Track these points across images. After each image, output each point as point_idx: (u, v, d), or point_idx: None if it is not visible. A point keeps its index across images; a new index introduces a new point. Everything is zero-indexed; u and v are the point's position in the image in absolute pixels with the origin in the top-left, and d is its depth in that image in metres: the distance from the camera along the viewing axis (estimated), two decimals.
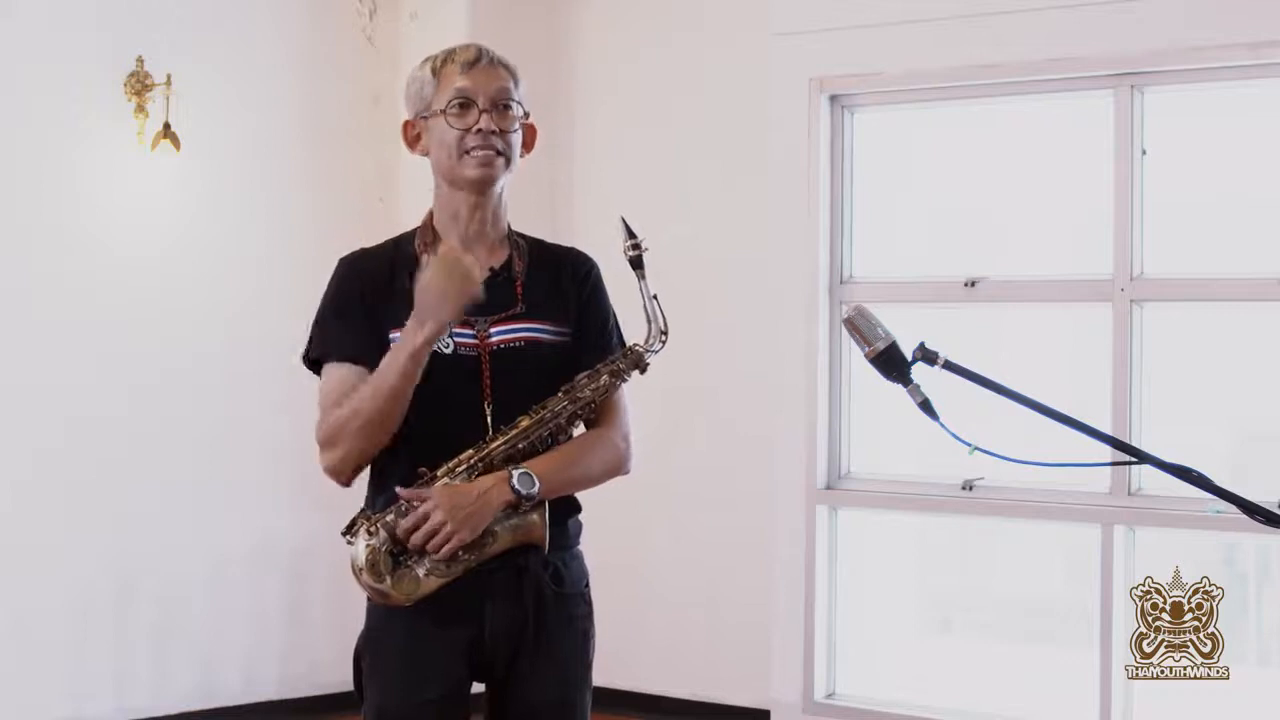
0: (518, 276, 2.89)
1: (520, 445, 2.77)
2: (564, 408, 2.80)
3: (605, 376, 2.83)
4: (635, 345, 2.85)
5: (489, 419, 2.79)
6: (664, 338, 2.83)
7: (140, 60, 5.63)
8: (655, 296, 2.83)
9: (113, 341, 5.64)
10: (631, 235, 2.81)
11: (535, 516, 2.77)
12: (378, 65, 6.20)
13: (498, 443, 2.77)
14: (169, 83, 5.62)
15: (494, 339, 2.83)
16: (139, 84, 5.62)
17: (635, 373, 2.85)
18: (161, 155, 5.63)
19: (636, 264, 2.81)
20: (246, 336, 5.71)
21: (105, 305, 5.62)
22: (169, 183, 5.73)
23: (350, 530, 2.76)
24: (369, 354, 2.81)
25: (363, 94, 6.22)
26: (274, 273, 5.87)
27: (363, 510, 2.80)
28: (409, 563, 2.74)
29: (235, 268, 5.93)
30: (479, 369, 2.82)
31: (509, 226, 2.95)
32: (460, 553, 2.73)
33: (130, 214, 5.67)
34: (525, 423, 2.78)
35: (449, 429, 2.77)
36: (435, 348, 2.79)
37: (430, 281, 2.72)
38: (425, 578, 2.74)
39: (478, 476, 2.74)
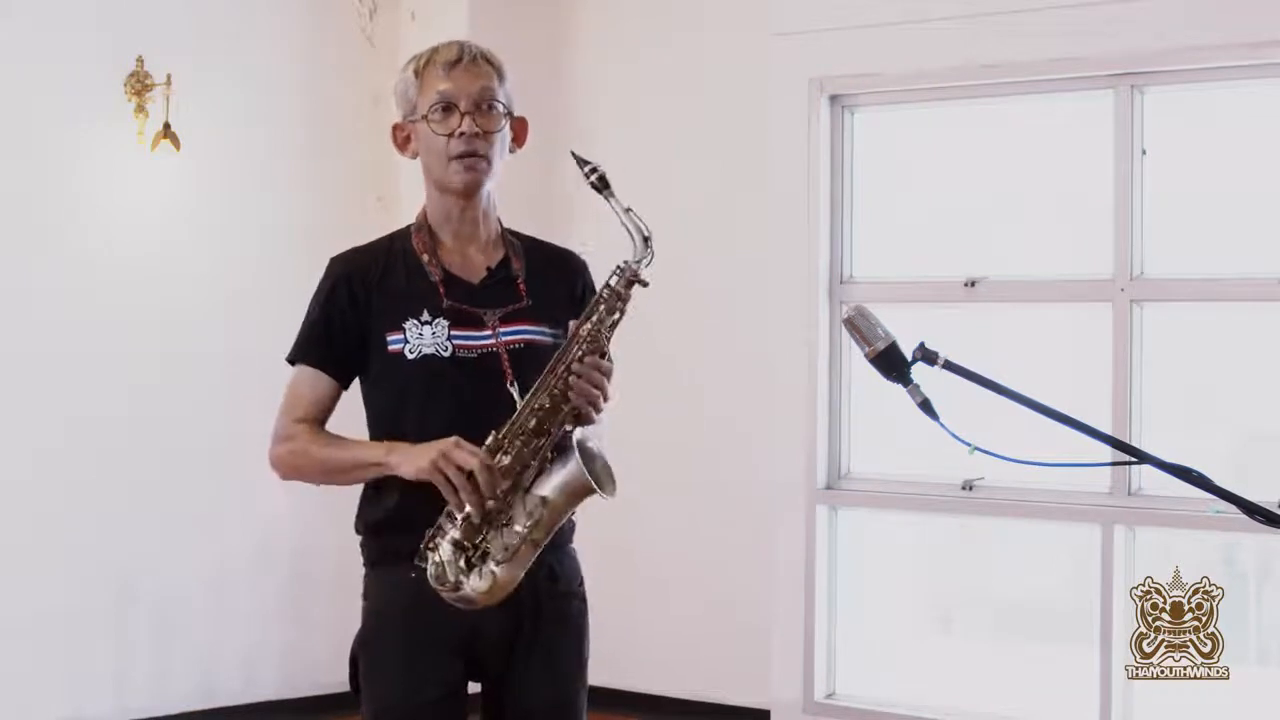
0: (518, 275, 2.89)
1: (545, 403, 2.71)
2: (570, 351, 2.73)
3: (602, 307, 2.75)
4: (625, 262, 2.76)
5: (518, 401, 2.75)
6: (649, 245, 2.74)
7: (140, 60, 5.63)
8: (629, 209, 2.76)
9: (113, 341, 5.63)
10: (585, 163, 2.77)
11: (574, 466, 2.70)
12: (378, 65, 6.18)
13: (518, 412, 2.72)
14: (169, 83, 5.62)
15: (502, 339, 2.83)
16: (139, 84, 5.62)
17: (635, 289, 2.74)
18: (161, 155, 5.63)
19: (603, 185, 2.76)
20: (246, 336, 5.71)
21: (105, 305, 5.62)
22: (169, 183, 5.72)
23: (422, 559, 2.74)
24: (334, 365, 2.87)
25: (363, 94, 6.21)
26: (274, 273, 5.87)
27: (425, 533, 2.76)
28: (478, 561, 2.71)
29: (235, 268, 5.93)
30: (498, 362, 2.80)
31: (500, 224, 2.95)
32: (520, 528, 2.68)
33: (130, 214, 5.67)
34: (535, 386, 2.73)
35: (481, 424, 2.73)
36: (433, 350, 2.80)
37: (449, 453, 2.68)
38: (499, 570, 2.71)
39: (519, 447, 2.70)
